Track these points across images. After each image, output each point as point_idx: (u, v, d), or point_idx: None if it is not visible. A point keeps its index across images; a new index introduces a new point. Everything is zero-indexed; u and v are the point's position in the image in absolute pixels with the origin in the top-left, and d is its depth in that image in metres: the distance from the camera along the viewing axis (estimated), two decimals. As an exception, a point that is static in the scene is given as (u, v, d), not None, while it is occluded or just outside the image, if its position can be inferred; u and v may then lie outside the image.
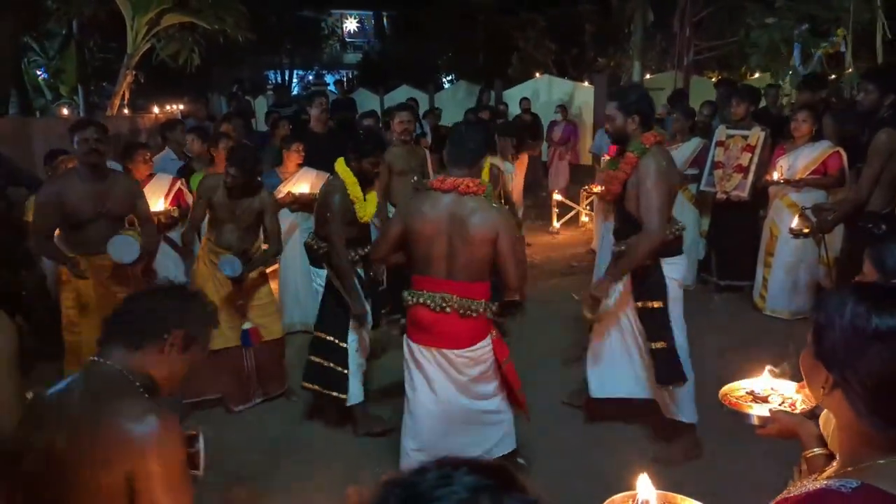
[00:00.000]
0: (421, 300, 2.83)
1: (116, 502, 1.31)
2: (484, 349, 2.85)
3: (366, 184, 3.68)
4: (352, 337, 3.66)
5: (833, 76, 7.62)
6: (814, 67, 7.48)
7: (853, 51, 6.94)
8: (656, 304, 3.17)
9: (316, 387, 3.70)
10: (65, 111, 8.61)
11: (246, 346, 3.91)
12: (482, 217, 2.71)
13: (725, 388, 1.69)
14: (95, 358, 1.44)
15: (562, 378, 4.34)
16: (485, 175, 4.35)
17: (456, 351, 2.83)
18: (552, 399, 4.00)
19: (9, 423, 1.51)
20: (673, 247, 3.18)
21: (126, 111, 7.53)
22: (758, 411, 1.55)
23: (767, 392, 1.66)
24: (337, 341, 3.64)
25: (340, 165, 3.65)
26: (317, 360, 3.68)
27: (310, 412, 3.94)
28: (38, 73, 10.32)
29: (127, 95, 7.48)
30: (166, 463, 1.33)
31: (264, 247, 4.16)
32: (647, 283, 3.17)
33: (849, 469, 1.05)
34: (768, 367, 1.86)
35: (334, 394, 3.63)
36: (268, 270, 5.93)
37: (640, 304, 3.21)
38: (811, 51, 7.59)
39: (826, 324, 1.08)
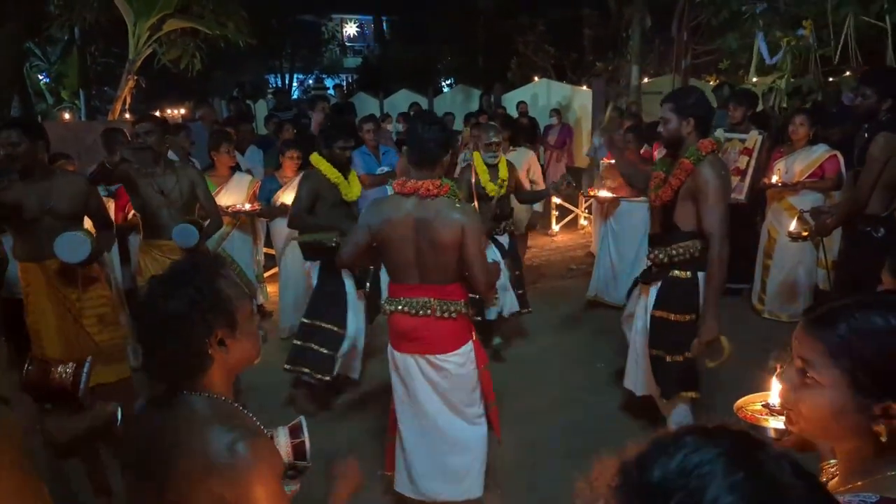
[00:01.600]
0: (399, 307, 2.76)
1: None
2: (468, 353, 2.80)
3: (341, 167, 3.96)
4: (351, 322, 3.89)
5: (831, 80, 7.65)
6: (781, 60, 7.51)
7: (840, 54, 6.97)
8: (686, 318, 3.15)
9: (304, 370, 3.92)
10: (66, 116, 8.65)
11: None
12: (445, 219, 2.62)
13: (741, 402, 1.68)
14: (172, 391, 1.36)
15: (561, 378, 4.37)
16: (503, 173, 4.55)
17: (440, 356, 2.76)
18: (552, 398, 4.02)
19: None
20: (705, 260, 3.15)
21: (127, 116, 7.55)
22: (774, 424, 1.55)
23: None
24: (336, 328, 3.88)
25: (314, 157, 3.99)
26: (311, 345, 3.91)
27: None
28: (41, 77, 10.36)
29: (129, 100, 7.51)
30: (257, 492, 1.26)
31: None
32: (677, 294, 3.17)
33: (858, 483, 1.00)
34: (777, 372, 1.88)
35: (319, 376, 3.89)
36: (266, 275, 6.00)
37: (658, 313, 3.20)
38: (778, 43, 7.62)
39: (871, 346, 0.95)
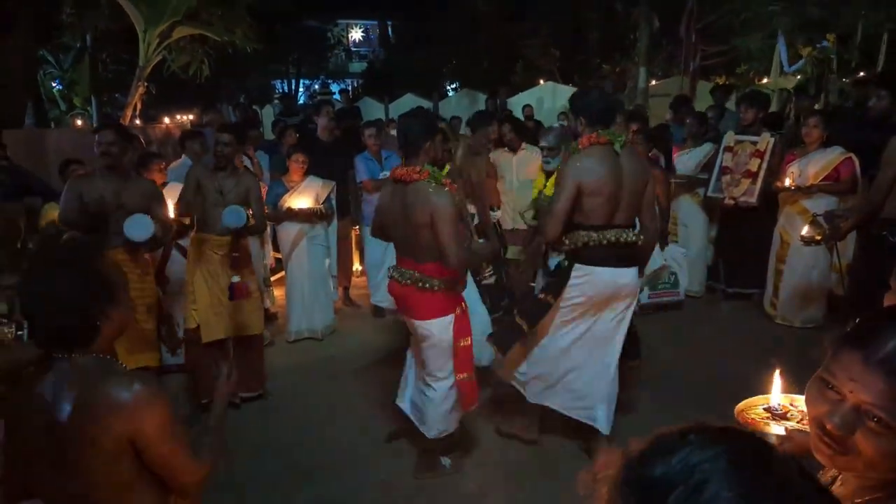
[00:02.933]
0: (394, 275, 3.18)
1: (122, 463, 1.49)
2: (445, 325, 3.07)
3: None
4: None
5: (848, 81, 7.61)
6: (801, 68, 7.48)
7: (859, 56, 6.95)
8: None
9: None
10: (78, 122, 8.72)
11: (232, 300, 4.01)
12: (419, 202, 2.93)
13: (742, 405, 1.64)
14: (60, 356, 1.53)
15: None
16: (534, 176, 4.67)
17: (416, 322, 3.10)
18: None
19: None
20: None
21: (138, 122, 7.59)
22: (775, 430, 1.52)
23: (786, 408, 1.63)
24: None
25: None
26: None
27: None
28: (53, 84, 10.45)
29: (139, 106, 7.55)
30: (158, 421, 1.49)
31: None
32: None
33: (878, 495, 0.96)
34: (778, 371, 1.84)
35: None
36: (273, 278, 6.00)
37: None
38: (799, 52, 7.58)
39: None
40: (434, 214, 2.89)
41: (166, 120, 7.91)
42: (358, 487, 3.31)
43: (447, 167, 3.95)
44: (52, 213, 4.38)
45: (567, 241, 3.16)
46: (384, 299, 5.74)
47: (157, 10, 6.82)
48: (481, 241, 3.38)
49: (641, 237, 3.20)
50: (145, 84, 7.37)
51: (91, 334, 1.53)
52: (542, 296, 3.30)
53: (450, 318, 3.08)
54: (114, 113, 10.80)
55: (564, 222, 3.09)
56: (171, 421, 1.52)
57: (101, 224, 3.65)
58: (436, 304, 3.05)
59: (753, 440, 0.70)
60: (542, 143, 4.33)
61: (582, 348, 3.28)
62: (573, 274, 3.16)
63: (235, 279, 4.02)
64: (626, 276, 3.18)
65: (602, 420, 3.28)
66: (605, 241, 3.10)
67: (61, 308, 1.49)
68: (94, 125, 8.55)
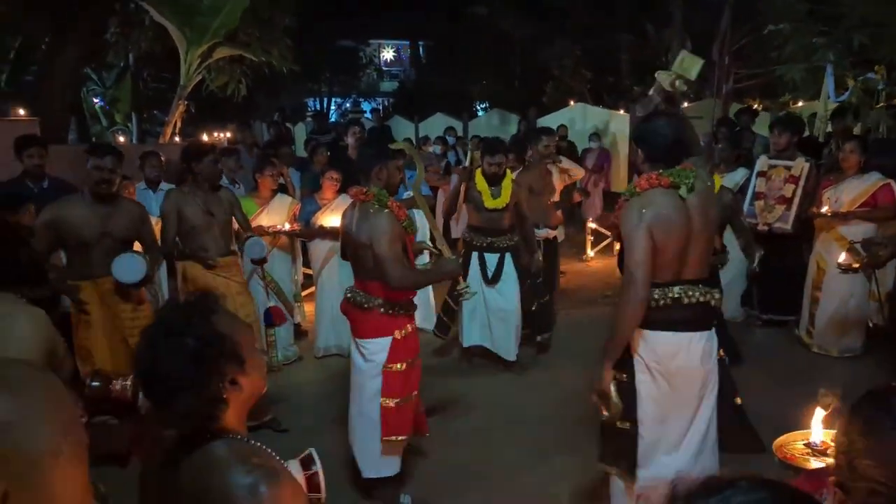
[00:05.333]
0: (346, 293, 3.30)
1: None
2: (382, 346, 3.11)
3: (490, 180, 4.64)
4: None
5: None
6: (848, 98, 7.37)
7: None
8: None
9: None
10: (121, 139, 8.99)
11: (268, 326, 4.02)
12: (361, 222, 3.11)
13: (781, 440, 1.61)
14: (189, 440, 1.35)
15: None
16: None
17: (358, 340, 3.20)
18: (575, 430, 3.81)
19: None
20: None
21: (177, 139, 7.80)
22: (815, 466, 1.49)
23: (826, 444, 1.59)
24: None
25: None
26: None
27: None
28: (95, 101, 10.82)
29: (179, 124, 7.78)
30: None
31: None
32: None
33: None
34: (820, 396, 1.78)
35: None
36: (304, 293, 6.08)
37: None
38: (847, 81, 7.47)
39: None
40: (372, 234, 3.01)
41: (204, 137, 8.13)
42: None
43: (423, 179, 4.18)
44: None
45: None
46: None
47: (199, 32, 7.05)
48: (452, 257, 3.34)
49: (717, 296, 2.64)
50: (185, 102, 7.59)
51: (217, 411, 1.33)
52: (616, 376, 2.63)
53: (387, 339, 3.10)
54: (152, 129, 11.11)
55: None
56: None
57: (81, 251, 3.51)
58: (374, 323, 3.13)
59: (800, 495, 0.72)
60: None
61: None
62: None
63: (271, 303, 4.06)
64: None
65: None
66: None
67: (179, 383, 1.29)
68: (135, 142, 8.84)
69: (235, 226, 4.40)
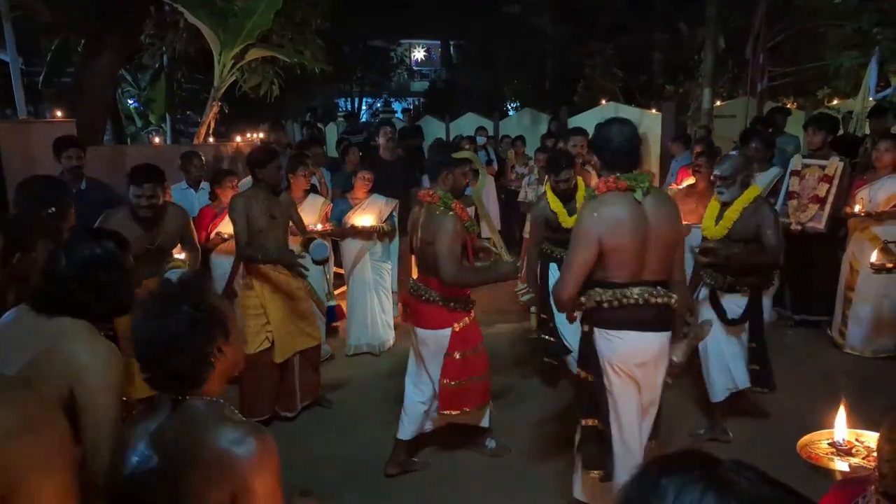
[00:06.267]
0: (409, 285, 3.57)
1: None
2: (440, 336, 3.39)
3: (563, 197, 4.37)
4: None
5: None
6: (890, 96, 7.16)
7: None
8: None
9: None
10: (156, 140, 9.21)
11: (330, 322, 4.24)
12: (427, 222, 3.34)
13: (805, 440, 1.59)
14: (173, 397, 1.50)
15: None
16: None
17: (419, 330, 3.46)
18: None
19: (107, 451, 1.64)
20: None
21: (211, 139, 7.97)
22: (839, 466, 1.48)
23: (851, 444, 1.58)
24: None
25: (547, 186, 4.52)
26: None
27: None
28: (130, 102, 11.10)
29: (212, 125, 7.94)
30: (266, 480, 1.43)
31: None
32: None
33: None
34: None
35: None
36: (336, 292, 6.18)
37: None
38: (889, 78, 7.27)
39: None
40: (435, 234, 3.24)
41: (238, 138, 8.28)
42: None
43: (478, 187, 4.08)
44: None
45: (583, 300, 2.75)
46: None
47: (233, 34, 7.17)
48: (509, 260, 3.40)
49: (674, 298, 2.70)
50: (219, 103, 7.74)
51: (205, 373, 1.49)
52: (581, 374, 2.86)
53: (446, 331, 3.39)
54: (186, 130, 11.35)
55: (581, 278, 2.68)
56: (277, 481, 1.45)
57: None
58: (433, 315, 3.40)
59: (711, 461, 0.76)
60: (716, 172, 3.85)
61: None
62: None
63: (333, 303, 4.21)
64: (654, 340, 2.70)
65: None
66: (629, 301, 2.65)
67: (174, 348, 1.44)
68: (170, 142, 9.05)
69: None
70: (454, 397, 3.46)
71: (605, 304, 2.64)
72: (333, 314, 4.36)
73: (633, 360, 2.65)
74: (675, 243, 2.72)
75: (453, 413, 3.49)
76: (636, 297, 2.61)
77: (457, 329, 3.40)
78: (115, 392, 1.77)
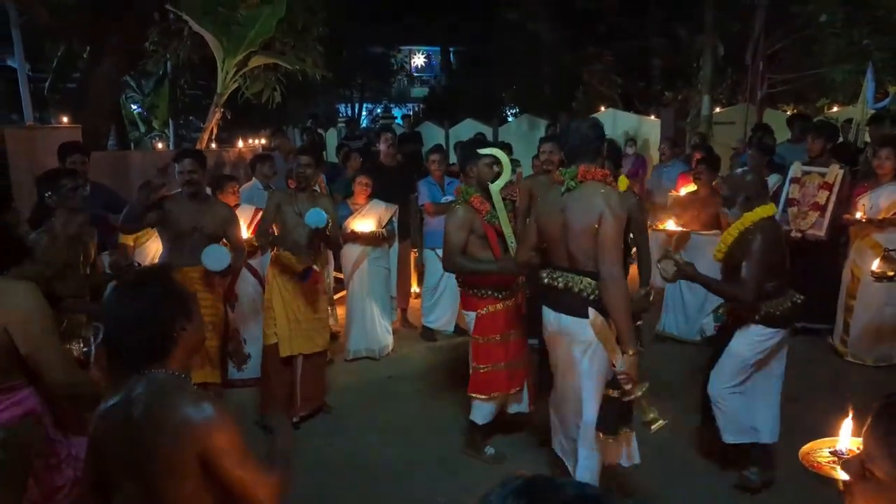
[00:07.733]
0: None
1: (190, 479, 1.57)
2: (469, 318, 3.73)
3: None
4: None
5: None
6: (888, 105, 7.20)
7: None
8: None
9: None
10: (159, 145, 9.24)
11: (303, 281, 4.27)
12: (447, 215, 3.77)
13: (807, 448, 1.60)
14: (142, 372, 1.65)
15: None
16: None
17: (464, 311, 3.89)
18: None
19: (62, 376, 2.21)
20: None
21: (213, 145, 8.00)
22: (840, 475, 1.49)
23: (852, 452, 1.59)
24: None
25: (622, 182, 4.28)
26: None
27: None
28: (134, 107, 11.14)
29: (215, 130, 7.97)
30: (228, 436, 1.58)
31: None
32: None
33: None
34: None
35: None
36: (335, 297, 6.19)
37: None
38: (887, 87, 7.31)
39: None
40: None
41: (239, 143, 8.31)
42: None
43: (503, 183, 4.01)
44: (126, 238, 4.66)
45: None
46: (436, 321, 5.85)
47: (236, 42, 7.23)
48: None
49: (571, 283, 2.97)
50: (221, 110, 7.77)
51: (168, 347, 1.64)
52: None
53: (472, 314, 3.69)
54: (188, 135, 11.39)
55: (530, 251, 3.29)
56: (238, 438, 1.60)
57: (176, 243, 3.96)
58: (464, 298, 3.82)
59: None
60: (723, 193, 3.80)
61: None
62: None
63: (315, 267, 4.29)
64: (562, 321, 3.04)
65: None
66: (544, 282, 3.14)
67: (142, 323, 1.61)
68: (172, 148, 9.08)
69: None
70: (483, 383, 3.68)
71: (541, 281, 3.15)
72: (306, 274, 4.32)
73: (546, 331, 3.19)
74: (583, 236, 2.89)
75: (480, 397, 3.70)
76: (544, 277, 3.11)
77: (482, 313, 3.65)
78: (41, 314, 2.21)
